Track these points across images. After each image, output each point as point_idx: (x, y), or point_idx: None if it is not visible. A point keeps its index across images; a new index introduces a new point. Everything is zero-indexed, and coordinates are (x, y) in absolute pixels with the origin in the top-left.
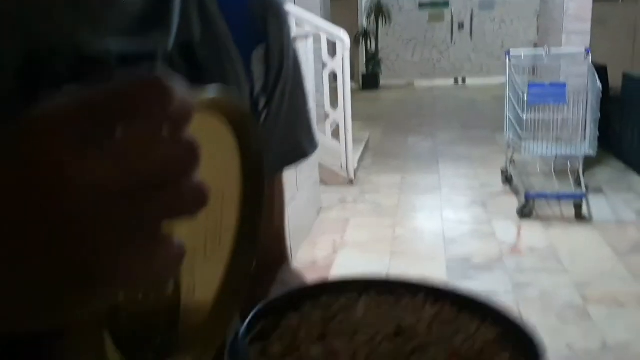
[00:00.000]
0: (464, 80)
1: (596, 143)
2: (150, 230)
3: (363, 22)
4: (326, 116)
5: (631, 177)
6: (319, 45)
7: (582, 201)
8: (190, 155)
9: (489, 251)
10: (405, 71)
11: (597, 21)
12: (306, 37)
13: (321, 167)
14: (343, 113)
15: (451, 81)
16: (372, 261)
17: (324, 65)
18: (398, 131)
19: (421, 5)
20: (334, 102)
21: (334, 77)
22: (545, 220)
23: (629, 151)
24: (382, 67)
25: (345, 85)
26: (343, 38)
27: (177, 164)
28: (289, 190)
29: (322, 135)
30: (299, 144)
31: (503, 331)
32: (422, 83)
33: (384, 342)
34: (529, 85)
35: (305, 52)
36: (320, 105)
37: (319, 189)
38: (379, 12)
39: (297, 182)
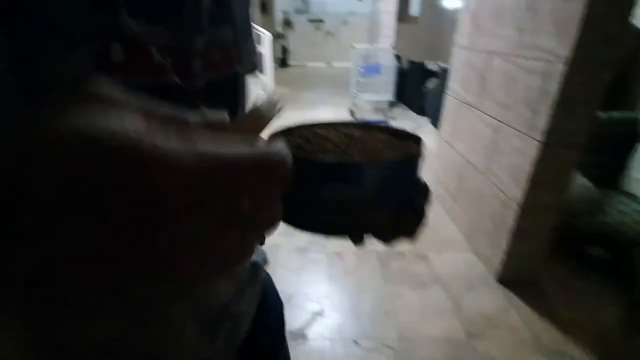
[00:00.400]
0: (331, 64)
1: (394, 94)
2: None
3: (277, 28)
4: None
5: (410, 113)
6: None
7: (387, 123)
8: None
9: None
10: (302, 58)
11: (399, 32)
12: None
13: None
14: (269, 76)
15: (324, 64)
16: None
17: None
18: (299, 89)
19: (309, 21)
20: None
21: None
22: None
23: (409, 100)
24: (290, 55)
25: (269, 61)
26: (266, 33)
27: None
28: None
29: (257, 90)
30: (253, 59)
31: (398, 135)
32: (309, 64)
33: (344, 137)
34: (363, 65)
35: None
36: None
37: None
38: (287, 23)
39: None
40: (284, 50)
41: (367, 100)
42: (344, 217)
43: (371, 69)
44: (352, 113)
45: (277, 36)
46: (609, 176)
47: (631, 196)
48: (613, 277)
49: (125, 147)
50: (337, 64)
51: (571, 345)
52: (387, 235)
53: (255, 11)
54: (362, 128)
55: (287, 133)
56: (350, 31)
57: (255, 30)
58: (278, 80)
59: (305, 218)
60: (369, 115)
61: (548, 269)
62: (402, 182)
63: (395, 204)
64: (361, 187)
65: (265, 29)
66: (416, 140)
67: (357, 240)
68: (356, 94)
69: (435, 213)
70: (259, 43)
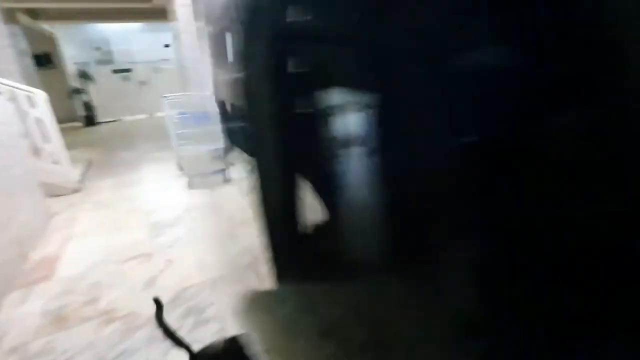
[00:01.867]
0: (154, 114)
1: (227, 140)
2: None
3: (72, 83)
4: (40, 150)
5: (246, 156)
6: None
7: (225, 172)
8: None
9: (174, 213)
10: (114, 112)
11: (216, 77)
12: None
13: (49, 184)
14: (57, 143)
15: (145, 115)
16: (101, 243)
17: (26, 114)
18: (114, 149)
19: (113, 71)
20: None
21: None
22: (209, 187)
23: (240, 143)
24: (97, 110)
25: (52, 124)
26: (37, 93)
27: None
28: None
29: (43, 164)
30: None
31: None
32: (127, 118)
33: None
34: (180, 113)
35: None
36: (33, 143)
37: (44, 202)
38: (84, 75)
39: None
40: (88, 107)
41: (197, 151)
42: None
43: (190, 119)
44: (180, 167)
45: (74, 92)
46: None
47: None
48: None
49: None
50: (160, 114)
51: None
52: None
53: (27, 65)
54: None
55: None
56: (165, 79)
57: (21, 90)
58: (79, 144)
59: None
60: (207, 165)
61: None
62: None
63: None
64: None
65: (53, 85)
66: None
67: None
68: (180, 147)
69: None
70: (31, 105)
